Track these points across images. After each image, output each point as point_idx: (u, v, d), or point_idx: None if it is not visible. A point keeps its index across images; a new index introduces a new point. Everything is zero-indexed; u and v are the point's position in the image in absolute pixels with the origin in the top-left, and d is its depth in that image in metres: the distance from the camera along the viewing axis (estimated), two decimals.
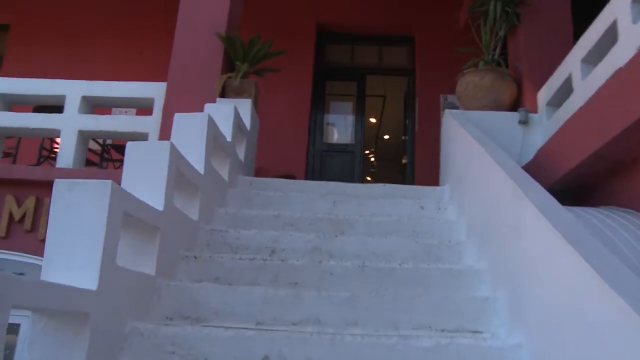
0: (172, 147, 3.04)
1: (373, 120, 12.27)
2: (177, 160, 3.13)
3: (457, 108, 7.92)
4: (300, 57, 8.48)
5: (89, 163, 6.34)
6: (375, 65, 8.96)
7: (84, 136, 5.45)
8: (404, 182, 8.80)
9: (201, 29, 5.49)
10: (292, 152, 8.14)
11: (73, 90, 5.52)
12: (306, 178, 8.17)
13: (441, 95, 8.28)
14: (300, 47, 8.53)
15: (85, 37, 8.79)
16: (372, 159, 14.32)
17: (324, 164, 8.46)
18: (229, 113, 4.58)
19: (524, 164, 4.84)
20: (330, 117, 8.85)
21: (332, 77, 8.86)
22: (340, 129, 8.86)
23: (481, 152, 3.69)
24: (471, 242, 3.61)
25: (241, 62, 5.32)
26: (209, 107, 4.58)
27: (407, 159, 8.57)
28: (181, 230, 3.29)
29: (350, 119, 8.90)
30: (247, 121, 5.18)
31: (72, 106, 5.46)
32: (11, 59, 8.86)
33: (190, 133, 3.82)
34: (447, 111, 5.21)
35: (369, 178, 14.33)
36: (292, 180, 4.88)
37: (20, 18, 9.06)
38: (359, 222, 3.98)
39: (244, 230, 3.71)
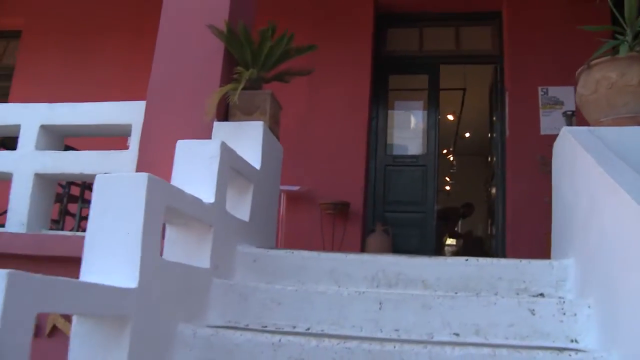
0: None
1: (451, 117, 10.28)
2: None
3: (569, 114, 5.94)
4: (353, 47, 6.69)
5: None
6: (451, 53, 7.03)
7: (44, 181, 3.90)
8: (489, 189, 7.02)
9: (194, 19, 3.80)
10: (346, 170, 6.40)
11: (28, 117, 3.99)
12: (365, 204, 6.39)
13: (539, 88, 6.27)
14: (354, 34, 6.74)
15: (96, 42, 7.33)
16: (451, 158, 12.32)
17: (388, 182, 6.66)
18: (211, 154, 2.86)
19: None
20: (395, 121, 7.01)
21: (396, 70, 7.01)
22: (408, 135, 7.01)
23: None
24: None
25: (246, 67, 3.59)
26: (181, 147, 2.88)
27: (496, 174, 6.61)
28: None
29: (420, 121, 7.03)
30: (255, 156, 3.47)
31: (28, 139, 3.93)
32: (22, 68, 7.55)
33: (120, 205, 2.15)
34: (565, 130, 3.31)
35: (447, 188, 12.41)
36: (323, 254, 3.09)
37: (31, 22, 7.71)
38: (421, 356, 2.18)
39: None
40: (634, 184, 2.32)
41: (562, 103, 6.15)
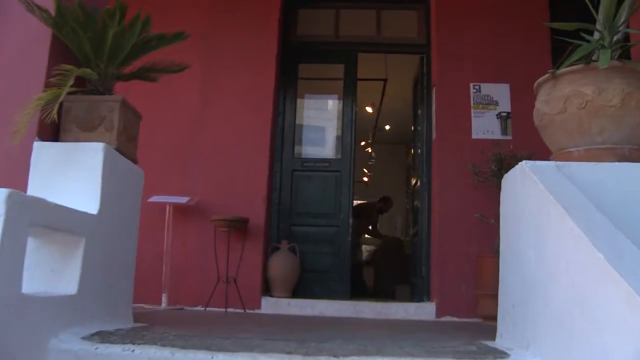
0: None
1: (369, 109, 9.38)
2: None
3: (503, 115, 5.13)
4: (256, 32, 5.62)
5: None
6: (371, 40, 6.06)
7: None
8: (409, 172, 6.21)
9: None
10: (245, 177, 5.36)
11: None
12: (268, 218, 5.38)
13: (471, 85, 5.41)
14: (257, 16, 5.65)
15: None
16: (369, 150, 11.47)
17: (295, 191, 5.67)
18: None
19: None
20: (305, 118, 6.01)
21: (307, 59, 5.99)
22: (319, 135, 6.03)
23: None
24: None
25: (87, 62, 2.49)
26: None
27: (420, 182, 5.74)
28: None
29: (335, 118, 6.07)
30: (90, 194, 2.39)
31: None
32: None
33: None
34: (525, 166, 2.41)
35: (365, 179, 11.56)
36: (178, 354, 2.05)
37: None
38: None
39: None
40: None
41: (496, 103, 5.34)
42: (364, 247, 9.64)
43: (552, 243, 2.04)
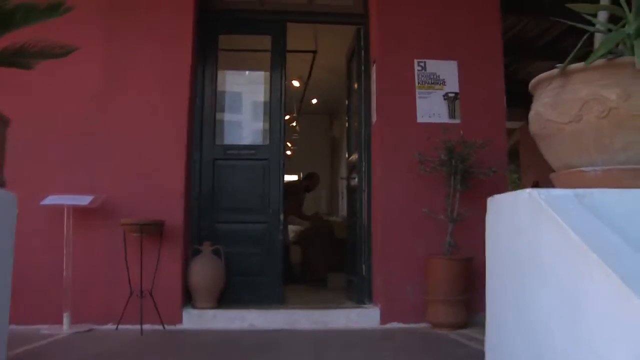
0: None
1: (296, 83, 8.65)
2: None
3: (451, 96, 4.60)
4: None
5: None
6: (301, 8, 5.32)
7: None
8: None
9: None
10: (159, 170, 4.58)
11: None
12: (186, 217, 4.64)
13: (416, 62, 4.82)
14: None
15: None
16: (294, 124, 10.77)
17: (218, 183, 4.94)
18: None
19: None
20: (227, 98, 5.25)
21: (229, 29, 5.20)
22: (243, 118, 5.29)
23: None
24: None
25: None
26: None
27: (358, 170, 5.14)
28: None
29: (261, 96, 5.34)
30: None
31: None
32: None
33: None
34: (535, 195, 1.83)
35: (288, 152, 10.88)
36: None
37: None
38: None
39: None
40: None
41: (442, 82, 4.78)
42: (290, 228, 9.04)
43: (596, 324, 1.47)
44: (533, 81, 2.14)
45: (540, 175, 10.17)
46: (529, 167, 9.96)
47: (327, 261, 7.48)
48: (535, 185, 10.26)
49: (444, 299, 4.29)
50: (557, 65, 1.98)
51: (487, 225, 2.25)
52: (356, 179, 5.18)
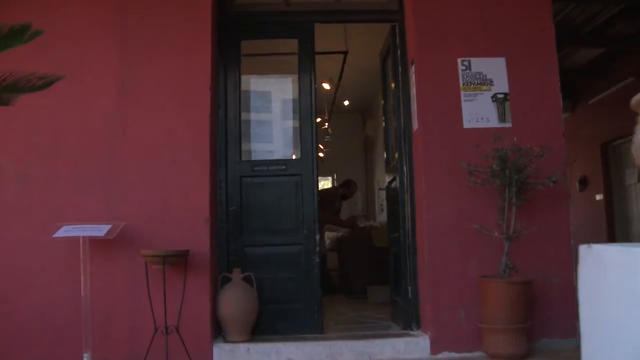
0: None
1: (326, 86, 8.20)
2: None
3: (500, 97, 4.15)
4: (184, 5, 4.39)
5: None
6: (329, 7, 4.88)
7: None
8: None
9: None
10: (181, 192, 4.20)
11: None
12: (213, 243, 4.24)
13: (459, 61, 4.34)
14: None
15: None
16: (326, 126, 10.34)
17: (246, 203, 4.54)
18: None
19: None
20: (252, 109, 4.85)
21: (251, 34, 4.79)
22: (271, 130, 4.88)
23: None
24: None
25: None
26: None
27: (399, 187, 4.68)
28: None
29: (290, 106, 4.93)
30: None
31: None
32: None
33: None
34: None
35: (320, 155, 10.46)
36: None
37: None
38: None
39: None
40: None
41: (490, 82, 4.29)
42: (327, 235, 8.65)
43: None
44: (635, 100, 1.66)
45: (588, 171, 9.57)
46: (574, 162, 9.40)
47: (366, 271, 7.07)
48: (583, 180, 9.66)
49: (503, 328, 3.81)
50: None
51: (580, 276, 1.79)
52: (398, 191, 4.72)
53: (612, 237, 8.91)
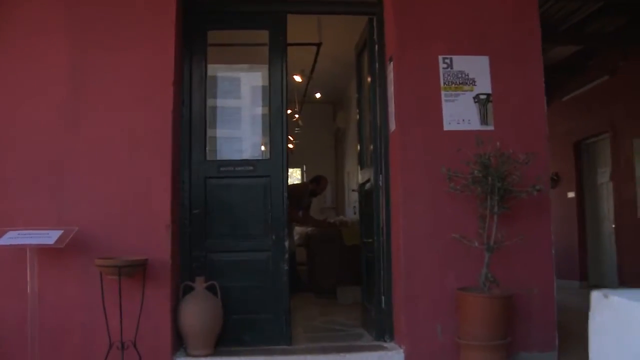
0: None
1: (298, 78, 7.89)
2: None
3: (482, 98, 3.93)
4: None
5: None
6: None
7: None
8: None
9: None
10: (140, 195, 3.89)
11: None
12: (175, 249, 3.93)
13: (441, 58, 4.09)
14: None
15: None
16: (296, 117, 10.04)
17: (211, 206, 4.23)
18: None
19: None
20: (219, 105, 4.53)
21: (219, 24, 4.47)
22: (239, 129, 4.57)
23: None
24: None
25: None
26: None
27: (374, 192, 4.43)
28: None
29: (259, 101, 4.63)
30: None
31: None
32: None
33: None
34: None
35: (290, 146, 10.18)
36: None
37: None
38: None
39: None
40: None
41: (472, 82, 4.06)
42: (295, 230, 8.37)
43: None
44: None
45: (561, 168, 9.48)
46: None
47: (336, 271, 6.85)
48: (555, 176, 9.57)
49: (481, 345, 3.60)
50: None
51: (591, 325, 1.56)
52: (372, 194, 4.47)
53: (582, 235, 8.86)
